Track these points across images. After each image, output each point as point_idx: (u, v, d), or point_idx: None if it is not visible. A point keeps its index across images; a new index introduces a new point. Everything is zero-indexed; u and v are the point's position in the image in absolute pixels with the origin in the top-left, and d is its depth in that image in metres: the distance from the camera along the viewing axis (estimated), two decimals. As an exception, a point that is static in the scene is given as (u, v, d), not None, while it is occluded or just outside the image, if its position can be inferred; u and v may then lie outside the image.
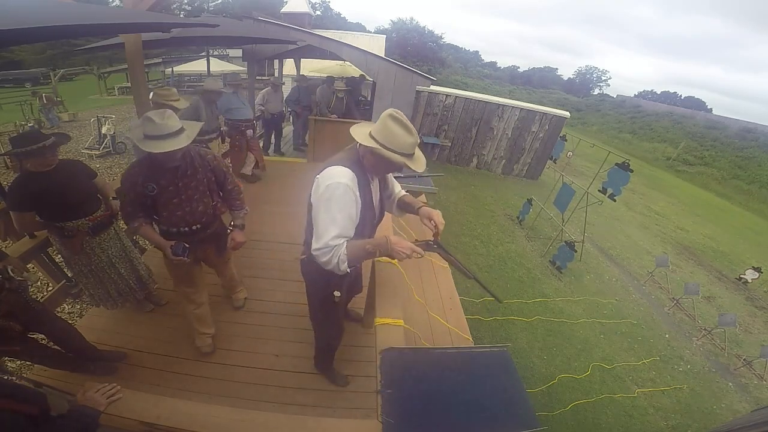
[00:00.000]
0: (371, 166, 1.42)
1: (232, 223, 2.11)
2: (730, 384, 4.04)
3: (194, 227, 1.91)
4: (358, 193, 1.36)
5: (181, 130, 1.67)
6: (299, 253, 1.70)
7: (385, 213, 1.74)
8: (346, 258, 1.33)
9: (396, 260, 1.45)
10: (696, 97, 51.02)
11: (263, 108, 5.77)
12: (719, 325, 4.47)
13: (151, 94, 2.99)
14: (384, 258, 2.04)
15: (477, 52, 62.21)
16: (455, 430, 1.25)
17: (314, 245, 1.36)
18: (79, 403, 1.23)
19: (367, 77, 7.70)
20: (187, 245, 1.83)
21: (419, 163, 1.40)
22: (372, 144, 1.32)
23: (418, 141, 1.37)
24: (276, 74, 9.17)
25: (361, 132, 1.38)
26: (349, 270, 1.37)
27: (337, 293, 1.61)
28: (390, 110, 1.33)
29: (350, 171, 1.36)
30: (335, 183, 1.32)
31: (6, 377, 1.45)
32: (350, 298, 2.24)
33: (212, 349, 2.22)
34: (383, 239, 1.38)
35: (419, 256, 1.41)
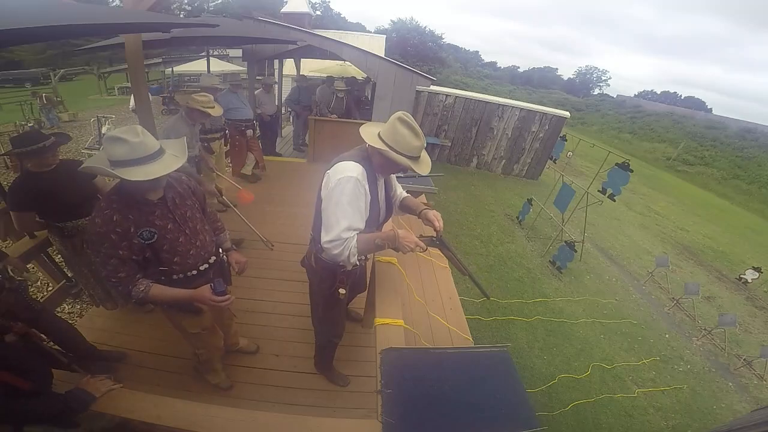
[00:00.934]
0: (378, 166, 1.45)
1: (221, 249, 1.82)
2: (730, 384, 4.03)
3: (211, 260, 1.60)
4: (367, 188, 1.40)
5: (162, 150, 1.28)
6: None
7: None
8: (357, 251, 1.36)
9: (400, 252, 1.49)
10: (696, 97, 51.30)
11: (260, 111, 5.78)
12: (719, 325, 4.47)
13: (152, 95, 2.94)
14: (384, 258, 2.05)
15: (477, 52, 62.51)
16: (455, 430, 1.25)
17: (325, 237, 1.38)
18: (80, 386, 1.28)
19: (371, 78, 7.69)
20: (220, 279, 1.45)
21: (424, 166, 1.42)
22: (380, 145, 1.35)
23: (425, 144, 1.39)
24: (276, 74, 9.15)
25: (369, 132, 1.41)
26: (358, 263, 1.39)
27: (342, 290, 1.63)
28: (399, 113, 1.36)
29: (360, 166, 1.39)
30: (346, 177, 1.35)
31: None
32: (353, 296, 2.25)
33: None
34: (392, 233, 1.43)
35: (422, 250, 1.48)
